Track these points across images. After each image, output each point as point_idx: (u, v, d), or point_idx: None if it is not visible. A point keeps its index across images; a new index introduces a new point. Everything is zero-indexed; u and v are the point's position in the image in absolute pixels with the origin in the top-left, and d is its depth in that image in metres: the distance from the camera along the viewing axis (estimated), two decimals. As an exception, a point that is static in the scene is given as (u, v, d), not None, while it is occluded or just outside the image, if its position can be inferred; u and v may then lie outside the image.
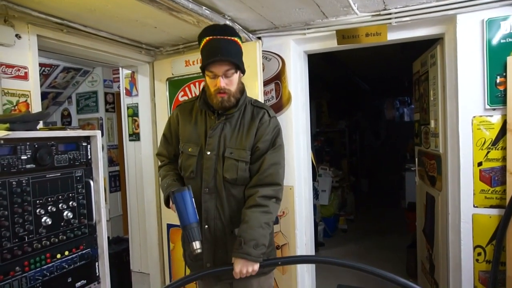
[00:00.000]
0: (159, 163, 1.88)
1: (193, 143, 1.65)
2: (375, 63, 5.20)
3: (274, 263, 1.58)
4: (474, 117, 2.16)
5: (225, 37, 1.57)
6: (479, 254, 2.18)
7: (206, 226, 1.62)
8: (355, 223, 5.84)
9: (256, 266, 1.48)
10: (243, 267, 1.46)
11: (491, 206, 2.14)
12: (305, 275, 2.75)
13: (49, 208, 1.54)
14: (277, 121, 1.70)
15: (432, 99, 2.74)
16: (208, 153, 1.61)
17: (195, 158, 1.64)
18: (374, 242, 4.92)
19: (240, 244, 1.47)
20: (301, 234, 2.69)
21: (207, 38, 1.57)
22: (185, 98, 2.90)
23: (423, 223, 3.22)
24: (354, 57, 4.47)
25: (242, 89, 1.66)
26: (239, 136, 1.62)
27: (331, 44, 2.57)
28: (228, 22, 2.30)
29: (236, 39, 1.60)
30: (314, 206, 3.82)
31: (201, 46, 1.61)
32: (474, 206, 2.18)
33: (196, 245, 1.45)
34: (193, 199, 1.50)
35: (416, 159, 3.34)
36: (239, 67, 1.60)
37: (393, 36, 2.42)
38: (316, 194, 4.85)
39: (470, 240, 2.20)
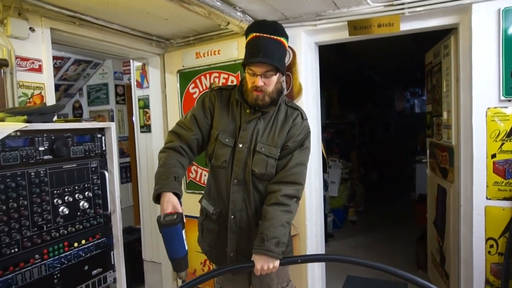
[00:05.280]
0: (167, 143, 1.65)
1: (229, 134, 1.65)
2: (387, 54, 5.14)
3: (294, 261, 1.61)
4: (488, 108, 2.13)
5: (271, 37, 1.54)
6: (491, 246, 2.17)
7: (232, 216, 1.64)
8: (365, 215, 5.83)
9: (277, 263, 1.50)
10: (265, 264, 1.48)
11: (505, 199, 2.11)
12: (315, 264, 2.77)
13: (66, 198, 1.57)
14: (308, 124, 1.72)
15: (445, 90, 2.70)
16: (240, 145, 1.63)
17: (230, 148, 1.64)
18: (384, 234, 4.91)
19: (262, 241, 1.48)
20: (311, 225, 2.71)
21: (253, 34, 1.55)
22: (196, 90, 2.92)
23: (434, 215, 3.20)
24: (365, 49, 4.41)
25: (280, 90, 1.65)
26: (271, 133, 1.64)
27: (343, 35, 2.54)
28: (239, 14, 2.30)
29: (282, 39, 1.57)
30: (324, 197, 3.82)
31: (246, 41, 1.59)
32: (487, 198, 2.16)
33: (182, 275, 1.44)
34: (184, 230, 1.40)
35: (428, 150, 3.32)
36: (280, 69, 1.59)
37: (406, 26, 2.38)
38: (325, 185, 4.85)
39: (482, 232, 2.18)
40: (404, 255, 4.07)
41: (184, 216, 1.41)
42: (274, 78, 1.58)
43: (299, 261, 1.62)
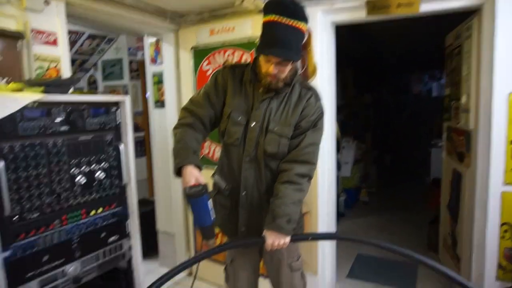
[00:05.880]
0: (180, 120, 1.66)
1: (241, 113, 1.65)
2: (404, 36, 4.98)
3: (305, 238, 1.63)
4: (510, 93, 2.07)
5: (290, 23, 1.45)
6: (505, 231, 2.15)
7: (244, 193, 1.67)
8: (377, 196, 5.81)
9: (287, 239, 1.53)
10: (276, 240, 1.51)
11: (522, 184, 2.08)
12: (326, 242, 2.79)
13: (82, 168, 1.62)
14: (322, 105, 1.70)
15: (465, 73, 2.62)
16: (253, 124, 1.63)
17: (242, 127, 1.64)
18: (395, 215, 4.90)
19: (273, 218, 1.52)
20: (323, 203, 2.72)
21: (273, 17, 1.46)
22: (209, 67, 2.90)
23: (448, 199, 3.18)
24: (382, 29, 4.27)
25: (294, 73, 1.63)
26: (284, 113, 1.63)
27: (360, 15, 2.46)
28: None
29: (301, 26, 1.48)
30: (336, 177, 3.82)
31: (264, 20, 1.51)
32: (504, 184, 2.12)
33: (210, 242, 1.51)
34: (210, 200, 1.46)
35: (444, 134, 3.25)
36: (296, 60, 1.56)
37: (426, 7, 2.28)
38: (338, 165, 4.83)
39: (497, 217, 2.16)
40: (415, 237, 4.07)
41: (207, 187, 1.45)
42: (289, 66, 1.56)
43: (310, 238, 1.65)
